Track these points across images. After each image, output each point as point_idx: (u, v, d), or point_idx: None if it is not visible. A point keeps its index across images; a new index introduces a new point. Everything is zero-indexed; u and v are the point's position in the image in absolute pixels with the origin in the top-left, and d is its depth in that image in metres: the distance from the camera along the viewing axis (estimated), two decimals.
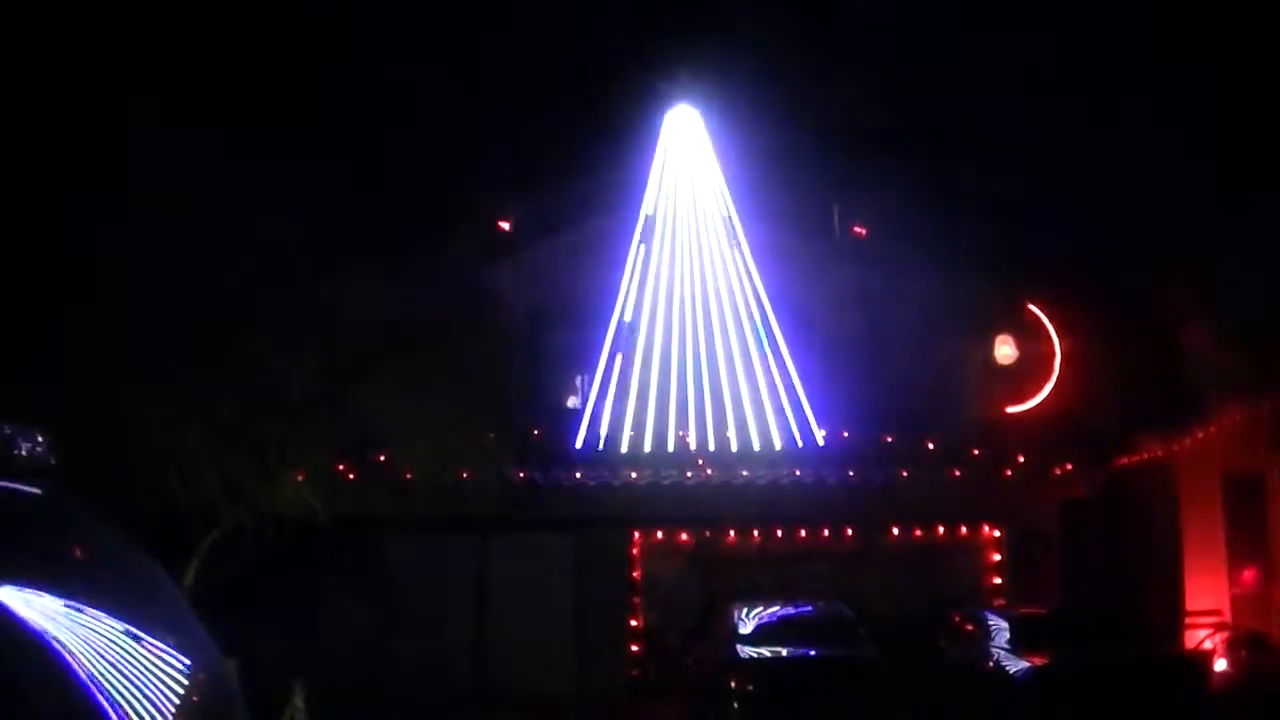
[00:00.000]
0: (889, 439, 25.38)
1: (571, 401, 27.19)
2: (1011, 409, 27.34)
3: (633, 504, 24.45)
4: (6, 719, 2.98)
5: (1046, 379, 27.45)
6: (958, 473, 24.82)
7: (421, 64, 28.07)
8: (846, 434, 25.75)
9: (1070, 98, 28.22)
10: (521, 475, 23.82)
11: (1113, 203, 27.12)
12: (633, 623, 24.50)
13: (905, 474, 24.71)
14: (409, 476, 20.71)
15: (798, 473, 24.80)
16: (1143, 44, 27.15)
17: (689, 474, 24.86)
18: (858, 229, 28.75)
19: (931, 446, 25.33)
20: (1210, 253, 24.41)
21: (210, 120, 18.37)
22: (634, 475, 24.70)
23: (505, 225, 28.57)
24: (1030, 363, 27.47)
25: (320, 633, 22.89)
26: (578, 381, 27.08)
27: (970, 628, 21.44)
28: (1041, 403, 27.30)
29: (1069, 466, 25.01)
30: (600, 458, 25.27)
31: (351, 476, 21.57)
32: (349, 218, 20.62)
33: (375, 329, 19.15)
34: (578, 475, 24.62)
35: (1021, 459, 25.07)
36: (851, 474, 24.73)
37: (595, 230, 27.67)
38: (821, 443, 25.79)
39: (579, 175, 28.47)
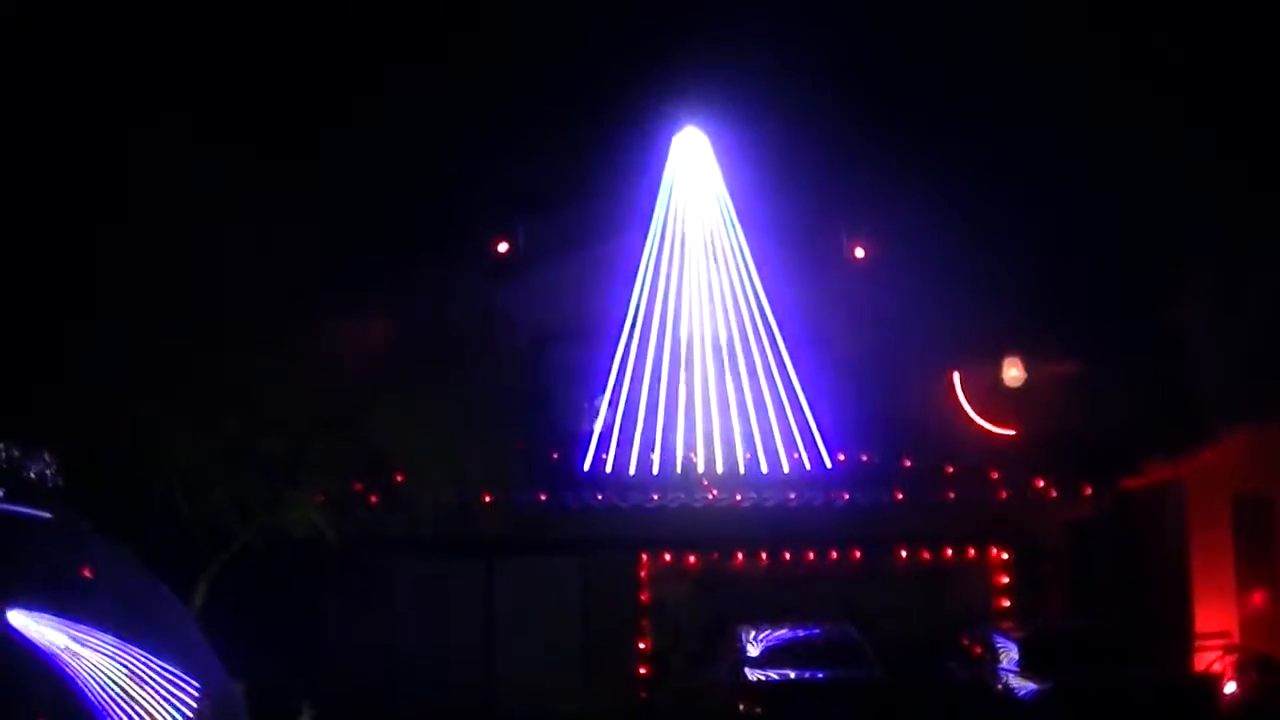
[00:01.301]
0: (896, 461, 25.37)
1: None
2: (1020, 430, 27.28)
3: (640, 526, 24.42)
4: None
5: (1055, 400, 27.39)
6: (965, 494, 24.77)
7: (428, 85, 28.14)
8: (852, 457, 25.71)
9: (1081, 112, 28.25)
10: (530, 497, 23.80)
11: (1121, 220, 27.12)
12: (640, 645, 24.45)
13: (913, 496, 24.68)
14: (416, 498, 20.70)
15: (806, 495, 24.78)
16: (1153, 57, 27.18)
17: (697, 496, 24.85)
18: (866, 251, 28.73)
19: (939, 468, 25.31)
20: (1220, 272, 24.43)
21: (218, 140, 18.43)
22: (642, 498, 24.68)
23: (513, 247, 28.58)
24: (1038, 384, 27.42)
25: (327, 654, 22.90)
26: (598, 403, 26.95)
27: (978, 649, 21.42)
28: (1049, 424, 27.23)
29: (1077, 488, 24.96)
30: (608, 480, 25.24)
31: (359, 498, 21.56)
32: (357, 238, 20.66)
33: (383, 350, 19.17)
34: (585, 497, 24.61)
35: (1029, 480, 25.03)
36: (859, 496, 24.70)
37: (603, 252, 27.67)
38: (829, 465, 25.75)
39: (587, 197, 28.50)
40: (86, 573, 3.64)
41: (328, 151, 23.88)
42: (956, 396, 26.81)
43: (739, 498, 24.77)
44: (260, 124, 21.74)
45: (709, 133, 28.47)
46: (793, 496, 24.76)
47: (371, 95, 27.08)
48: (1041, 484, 25.04)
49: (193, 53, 21.24)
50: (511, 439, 21.35)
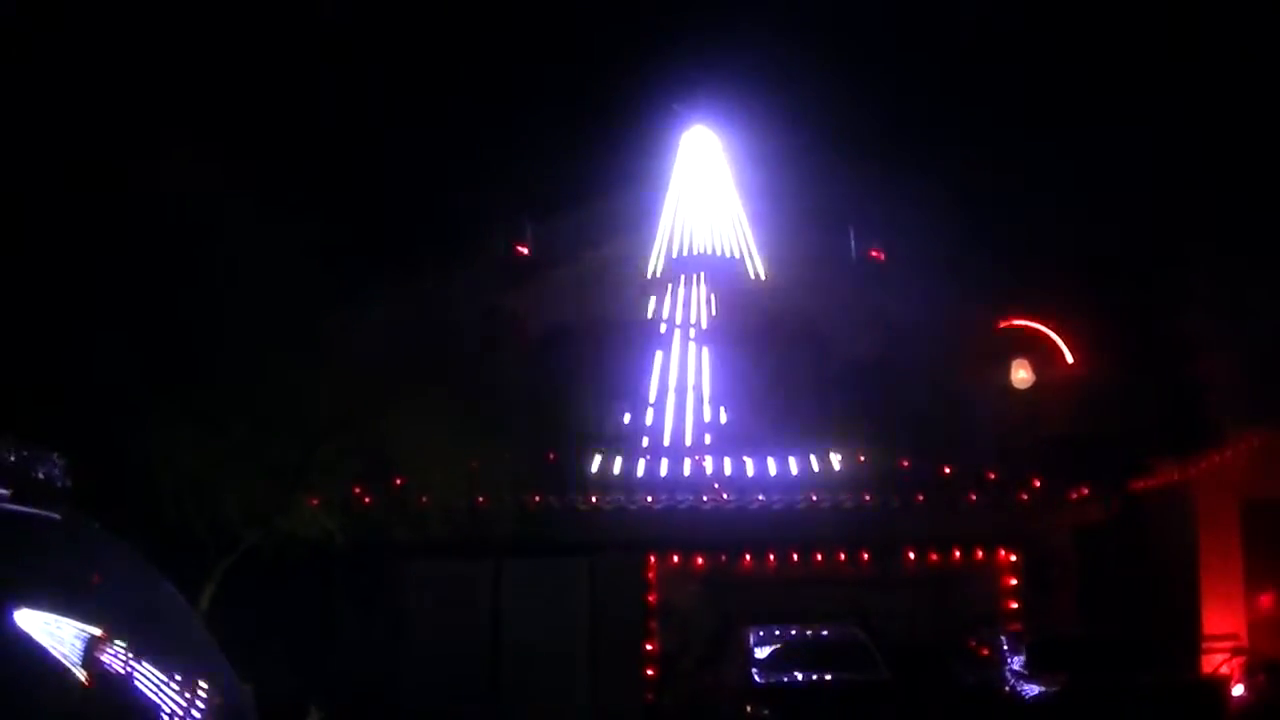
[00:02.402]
0: (905, 463, 25.34)
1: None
2: (1029, 433, 27.27)
3: (649, 528, 24.42)
4: None
5: (1063, 403, 27.39)
6: (974, 497, 24.75)
7: (440, 90, 28.18)
8: (862, 458, 25.69)
9: (1090, 114, 28.25)
10: (537, 499, 23.81)
11: (1132, 224, 27.11)
12: (648, 647, 24.45)
13: (921, 498, 24.66)
14: (425, 500, 20.72)
15: (814, 497, 24.76)
16: (1164, 58, 27.19)
17: (705, 498, 24.83)
18: (875, 252, 28.75)
19: (948, 470, 25.28)
20: (1230, 274, 24.42)
21: (229, 147, 18.46)
22: (650, 499, 24.68)
23: (523, 249, 28.62)
24: (1047, 386, 27.41)
25: (335, 656, 22.91)
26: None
27: (986, 652, 21.41)
28: (1058, 426, 27.22)
29: (1085, 490, 24.93)
30: (616, 481, 25.24)
31: (368, 500, 21.59)
32: (367, 242, 20.70)
33: (393, 353, 19.19)
34: (594, 499, 24.61)
35: (1038, 483, 25.00)
36: (867, 498, 24.68)
37: (613, 252, 27.71)
38: (837, 466, 25.74)
39: (596, 197, 28.53)
40: (96, 574, 3.64)
41: (336, 155, 23.92)
42: (965, 398, 26.79)
43: (747, 499, 24.76)
44: (269, 127, 21.77)
45: (718, 132, 28.54)
46: (801, 498, 24.75)
47: (378, 96, 27.11)
48: (1050, 486, 25.00)
49: (203, 56, 21.26)
50: (520, 440, 21.38)
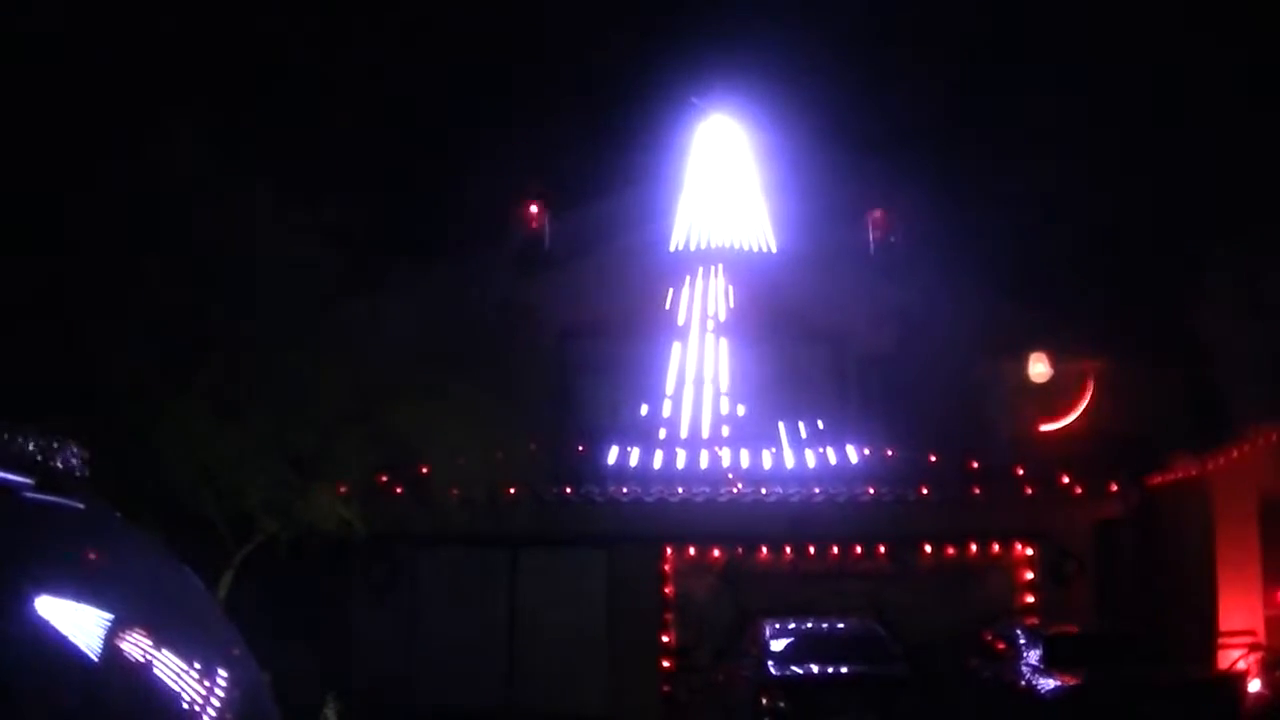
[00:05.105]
0: (922, 456, 25.32)
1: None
2: (1045, 427, 27.25)
3: (665, 520, 24.44)
4: None
5: (1081, 396, 27.35)
6: (991, 491, 24.72)
7: (455, 79, 28.21)
8: (879, 451, 25.68)
9: (1105, 115, 28.18)
10: (555, 491, 23.85)
11: (1149, 218, 27.07)
12: (664, 639, 24.49)
13: (939, 491, 24.63)
14: (443, 491, 20.77)
15: (831, 490, 24.75)
16: (1183, 64, 27.11)
17: (721, 490, 24.84)
18: (894, 245, 28.71)
19: (965, 464, 25.26)
20: (1250, 270, 24.37)
21: (246, 135, 18.51)
22: (667, 491, 24.69)
23: (542, 239, 28.64)
24: (1065, 380, 27.37)
25: (352, 646, 23.00)
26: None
27: (1002, 646, 21.42)
28: (1076, 420, 27.19)
29: (1103, 485, 24.89)
30: (633, 473, 25.27)
31: (386, 491, 21.64)
32: (385, 233, 20.75)
33: (411, 344, 19.23)
34: (610, 491, 24.63)
35: (1055, 477, 24.96)
36: (884, 491, 24.65)
37: (629, 244, 27.72)
38: (854, 460, 25.73)
39: (613, 189, 28.54)
40: (116, 563, 3.67)
41: (355, 146, 23.97)
42: (983, 392, 26.76)
43: (764, 492, 24.76)
44: (289, 116, 21.83)
45: (736, 122, 28.52)
46: (818, 491, 24.74)
47: (399, 89, 27.15)
48: (1068, 480, 24.96)
49: (213, 46, 21.34)
50: (537, 432, 21.42)
